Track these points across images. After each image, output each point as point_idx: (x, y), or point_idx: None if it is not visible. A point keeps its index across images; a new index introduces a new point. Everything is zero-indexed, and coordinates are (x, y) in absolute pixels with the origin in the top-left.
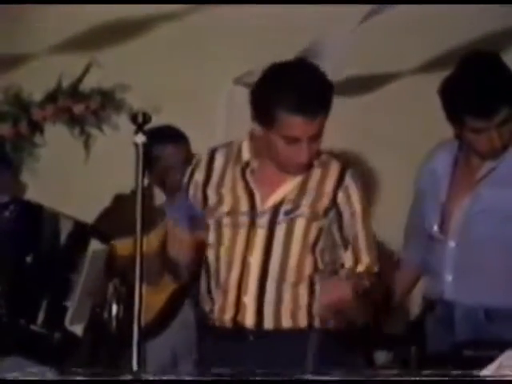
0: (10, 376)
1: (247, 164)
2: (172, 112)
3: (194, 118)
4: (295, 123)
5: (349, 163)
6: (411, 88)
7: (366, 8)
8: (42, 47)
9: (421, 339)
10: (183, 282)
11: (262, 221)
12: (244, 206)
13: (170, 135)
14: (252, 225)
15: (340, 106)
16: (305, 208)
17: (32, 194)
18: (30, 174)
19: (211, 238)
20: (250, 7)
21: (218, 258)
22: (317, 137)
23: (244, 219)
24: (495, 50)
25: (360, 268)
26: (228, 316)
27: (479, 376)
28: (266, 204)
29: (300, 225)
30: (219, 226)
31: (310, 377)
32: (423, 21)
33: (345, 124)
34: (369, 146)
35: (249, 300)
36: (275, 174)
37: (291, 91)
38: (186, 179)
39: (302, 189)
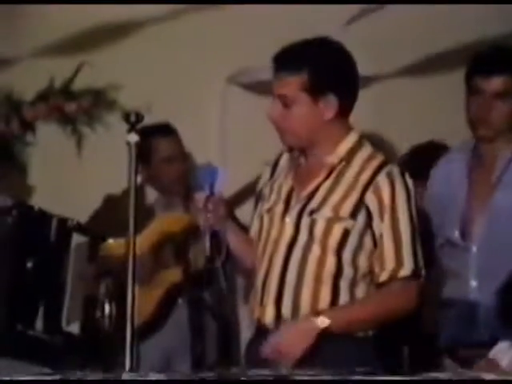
0: (8, 377)
1: (296, 159)
2: (164, 111)
3: (186, 117)
4: (273, 80)
5: (391, 159)
6: (394, 90)
7: (356, 8)
8: (34, 47)
9: (414, 339)
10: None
11: (289, 220)
12: (281, 202)
13: (161, 129)
14: (282, 223)
15: None
16: (328, 208)
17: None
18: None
19: (253, 233)
20: (241, 7)
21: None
22: (289, 100)
23: (277, 217)
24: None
25: (383, 276)
26: (255, 315)
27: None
28: (298, 200)
29: (320, 226)
30: (261, 222)
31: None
32: (409, 23)
33: None
34: None
35: (269, 302)
36: (313, 168)
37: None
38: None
39: (333, 185)
